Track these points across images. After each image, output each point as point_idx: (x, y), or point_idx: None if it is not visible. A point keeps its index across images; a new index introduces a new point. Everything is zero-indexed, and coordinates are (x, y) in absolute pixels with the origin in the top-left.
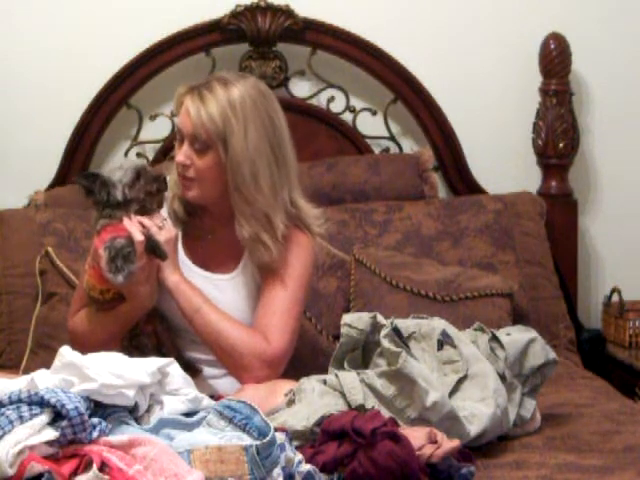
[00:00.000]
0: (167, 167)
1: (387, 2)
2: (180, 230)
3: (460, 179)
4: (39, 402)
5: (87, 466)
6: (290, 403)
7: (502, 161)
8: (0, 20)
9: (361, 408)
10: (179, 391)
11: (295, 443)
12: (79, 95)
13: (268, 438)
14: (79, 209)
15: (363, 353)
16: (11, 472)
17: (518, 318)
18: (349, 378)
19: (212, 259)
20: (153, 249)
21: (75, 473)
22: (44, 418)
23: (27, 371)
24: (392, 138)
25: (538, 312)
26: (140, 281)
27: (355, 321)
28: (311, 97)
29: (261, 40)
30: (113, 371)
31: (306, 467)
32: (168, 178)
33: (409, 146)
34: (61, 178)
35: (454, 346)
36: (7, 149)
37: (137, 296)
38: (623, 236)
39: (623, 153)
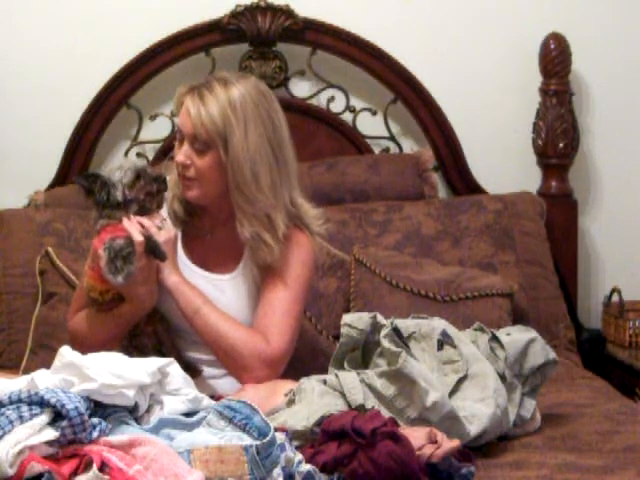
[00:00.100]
0: (167, 167)
1: (387, 2)
2: (180, 230)
3: (460, 179)
4: (39, 402)
5: (87, 466)
6: (290, 403)
7: (502, 161)
8: (0, 20)
9: (361, 408)
10: (179, 391)
11: (295, 443)
12: (79, 95)
13: (268, 438)
14: (79, 209)
15: (363, 353)
16: (11, 472)
17: (518, 318)
18: (349, 378)
19: (212, 259)
20: (152, 250)
21: (75, 473)
22: (44, 418)
23: (27, 371)
24: (392, 138)
25: (538, 312)
26: (139, 282)
27: (355, 321)
28: (311, 97)
29: (261, 40)
30: (113, 371)
31: (306, 467)
32: (168, 178)
33: (409, 146)
34: (61, 178)
35: (454, 346)
36: (7, 149)
37: (137, 297)
38: (623, 236)
39: (623, 153)
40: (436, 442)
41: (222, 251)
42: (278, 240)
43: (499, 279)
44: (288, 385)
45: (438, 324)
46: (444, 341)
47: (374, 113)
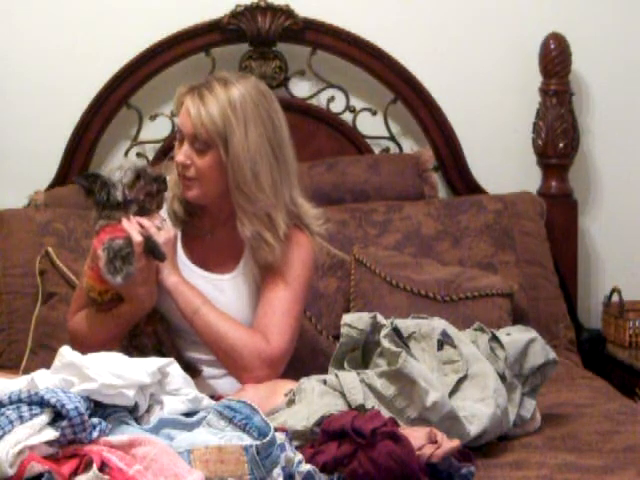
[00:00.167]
0: (167, 167)
1: (387, 2)
2: (179, 230)
3: (460, 179)
4: (39, 402)
5: (87, 466)
6: (290, 403)
7: (502, 161)
8: (0, 20)
9: (361, 408)
10: (179, 391)
11: (295, 443)
12: (79, 95)
13: (268, 438)
14: (79, 209)
15: (363, 353)
16: (11, 472)
17: (518, 318)
18: (349, 378)
19: (212, 259)
20: (151, 250)
21: (75, 473)
22: (44, 418)
23: (27, 371)
24: (392, 138)
25: (538, 312)
26: (139, 282)
27: (355, 321)
28: (311, 97)
29: (261, 40)
30: (113, 371)
31: (306, 467)
32: (168, 178)
33: (409, 146)
34: (61, 178)
35: (454, 346)
36: (7, 149)
37: (136, 297)
38: (623, 236)
39: (623, 153)
40: (436, 442)
41: (222, 251)
42: (279, 239)
43: (499, 279)
44: (288, 385)
45: (438, 324)
46: (444, 341)
47: (374, 113)
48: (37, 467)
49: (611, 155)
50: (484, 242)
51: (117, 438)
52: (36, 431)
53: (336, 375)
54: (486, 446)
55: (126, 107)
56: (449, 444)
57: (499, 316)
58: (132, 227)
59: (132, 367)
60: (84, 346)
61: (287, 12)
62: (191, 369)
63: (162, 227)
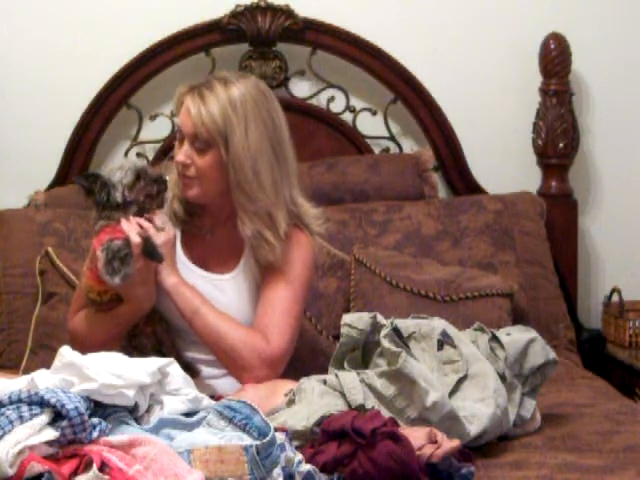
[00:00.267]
0: (167, 167)
1: (387, 2)
2: (179, 230)
3: (460, 179)
4: (39, 402)
5: (87, 466)
6: (290, 403)
7: (502, 161)
8: (0, 20)
9: (361, 408)
10: (179, 391)
11: (295, 443)
12: (79, 95)
13: (268, 438)
14: (79, 209)
15: (363, 353)
16: (11, 472)
17: (518, 318)
18: (349, 378)
19: (211, 259)
20: (149, 252)
21: (75, 473)
22: (44, 418)
23: (27, 371)
24: (392, 138)
25: (538, 312)
26: (137, 283)
27: (355, 321)
28: (311, 97)
29: (261, 40)
30: (113, 371)
31: (306, 467)
32: (168, 179)
33: (409, 146)
34: (61, 178)
35: (454, 346)
36: (7, 149)
37: (134, 298)
38: (623, 236)
39: (623, 153)
40: (436, 442)
41: (222, 250)
42: (279, 238)
43: (499, 279)
44: (288, 385)
45: (438, 324)
46: (444, 341)
47: (374, 113)
48: (37, 467)
49: (611, 155)
50: (484, 242)
51: (117, 438)
52: (36, 431)
53: (336, 375)
54: (486, 446)
55: (126, 107)
56: (449, 444)
57: (499, 316)
58: (131, 228)
59: (132, 367)
60: (84, 346)
61: (287, 12)
62: (191, 369)
63: (164, 227)
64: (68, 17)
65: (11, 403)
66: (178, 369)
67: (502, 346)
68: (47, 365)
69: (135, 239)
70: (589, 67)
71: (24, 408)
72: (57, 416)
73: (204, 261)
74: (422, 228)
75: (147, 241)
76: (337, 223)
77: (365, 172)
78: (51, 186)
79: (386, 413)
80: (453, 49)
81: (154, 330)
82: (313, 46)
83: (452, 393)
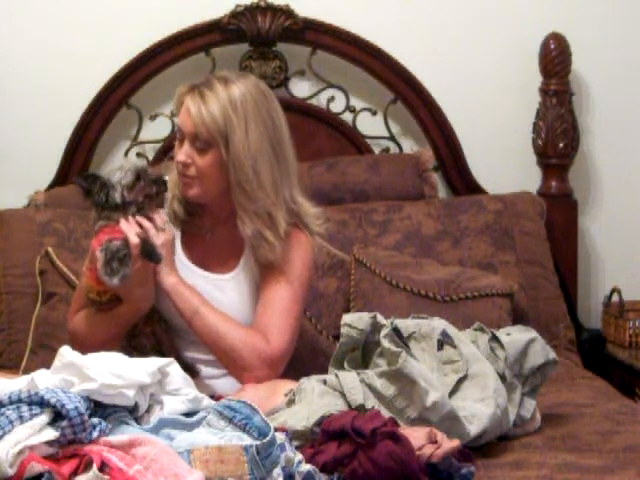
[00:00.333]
0: (167, 167)
1: (387, 2)
2: (179, 230)
3: (460, 179)
4: (39, 402)
5: (87, 466)
6: (290, 403)
7: (502, 161)
8: (0, 20)
9: (361, 408)
10: (179, 391)
11: (295, 443)
12: (79, 95)
13: (268, 438)
14: (79, 209)
15: (363, 353)
16: (11, 472)
17: (518, 318)
18: (349, 378)
19: (211, 259)
20: (148, 253)
21: (75, 473)
22: (44, 418)
23: (27, 371)
24: (392, 138)
25: (538, 312)
26: (136, 283)
27: (355, 321)
28: (311, 97)
29: (261, 40)
30: (113, 371)
31: (306, 467)
32: (168, 179)
33: (409, 146)
34: (61, 178)
35: (454, 346)
36: (7, 149)
37: (133, 298)
38: (623, 236)
39: (623, 153)
40: (436, 442)
41: (222, 250)
42: (279, 237)
43: (499, 279)
44: (288, 385)
45: (438, 324)
46: (444, 341)
47: (374, 113)
48: (37, 467)
49: (611, 155)
50: (484, 242)
51: (117, 438)
52: (36, 431)
53: (336, 375)
54: (486, 446)
55: (126, 107)
56: (449, 444)
57: (499, 316)
58: (130, 229)
59: (132, 367)
60: (84, 346)
61: (287, 12)
62: (190, 369)
63: (164, 227)
64: (68, 17)
65: (11, 403)
66: (178, 369)
67: (502, 346)
68: (47, 365)
69: (134, 240)
70: (589, 67)
71: (24, 408)
72: (57, 416)
73: (204, 261)
74: (422, 228)
75: (146, 242)
76: (337, 223)
77: (365, 172)
78: (51, 186)
79: (386, 413)
80: (453, 49)
81: (153, 330)
82: (313, 46)
83: (452, 393)
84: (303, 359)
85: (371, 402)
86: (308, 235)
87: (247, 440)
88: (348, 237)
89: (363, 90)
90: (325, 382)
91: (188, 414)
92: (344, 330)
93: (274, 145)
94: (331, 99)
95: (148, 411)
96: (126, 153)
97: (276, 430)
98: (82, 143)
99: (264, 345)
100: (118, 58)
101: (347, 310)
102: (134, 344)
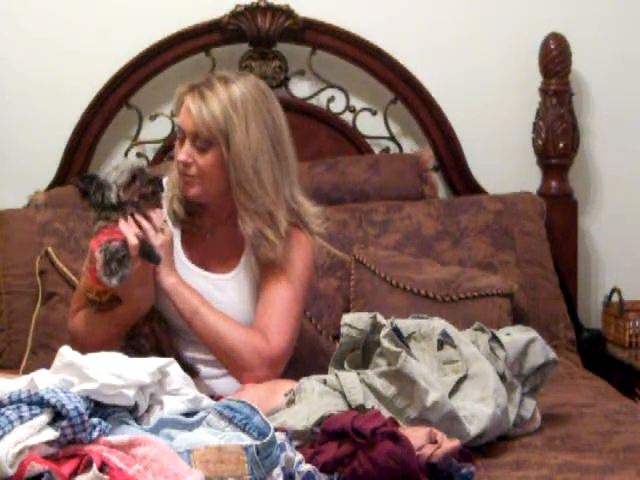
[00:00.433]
0: (166, 167)
1: (387, 2)
2: (179, 230)
3: (460, 179)
4: (39, 402)
5: (87, 466)
6: (290, 403)
7: (502, 161)
8: (0, 20)
9: (361, 408)
10: (179, 391)
11: (295, 443)
12: (79, 95)
13: (268, 438)
14: (79, 209)
15: (363, 353)
16: (11, 472)
17: (518, 318)
18: (349, 378)
19: (211, 259)
20: (147, 253)
21: (75, 473)
22: (44, 418)
23: (27, 371)
24: (392, 138)
25: (538, 312)
26: (135, 284)
27: (355, 321)
28: (311, 97)
29: (261, 40)
30: (113, 371)
31: (306, 467)
32: (166, 179)
33: (409, 146)
34: (61, 178)
35: (454, 346)
36: (7, 149)
37: (132, 298)
38: (623, 236)
39: (623, 153)
40: (436, 442)
41: (222, 250)
42: (280, 236)
43: (499, 279)
44: (288, 385)
45: (438, 324)
46: (444, 341)
47: (374, 113)
48: (37, 467)
49: (611, 155)
50: (484, 242)
51: (117, 438)
52: (36, 431)
53: (336, 375)
54: (486, 446)
55: (126, 107)
56: (449, 444)
57: (499, 316)
58: (129, 230)
59: (132, 367)
60: (84, 346)
61: (287, 12)
62: (190, 369)
63: (163, 228)
64: (68, 17)
65: (11, 403)
66: (178, 369)
67: (502, 346)
68: (47, 365)
69: (132, 240)
70: (589, 67)
71: (24, 408)
72: (57, 416)
73: (204, 261)
74: (422, 228)
75: (144, 243)
76: (337, 223)
77: (365, 172)
78: (51, 186)
79: (386, 413)
80: (453, 49)
81: (153, 330)
82: (313, 46)
83: (452, 393)
84: (303, 359)
85: (371, 402)
86: (308, 235)
87: (247, 440)
88: (348, 237)
89: (363, 90)
90: (325, 382)
91: (188, 414)
92: (344, 330)
93: (274, 144)
94: (331, 99)
95: (148, 411)
96: (126, 153)
97: (276, 430)
98: (82, 143)
99: (264, 345)
100: (118, 58)
101: (347, 310)
102: (133, 344)
